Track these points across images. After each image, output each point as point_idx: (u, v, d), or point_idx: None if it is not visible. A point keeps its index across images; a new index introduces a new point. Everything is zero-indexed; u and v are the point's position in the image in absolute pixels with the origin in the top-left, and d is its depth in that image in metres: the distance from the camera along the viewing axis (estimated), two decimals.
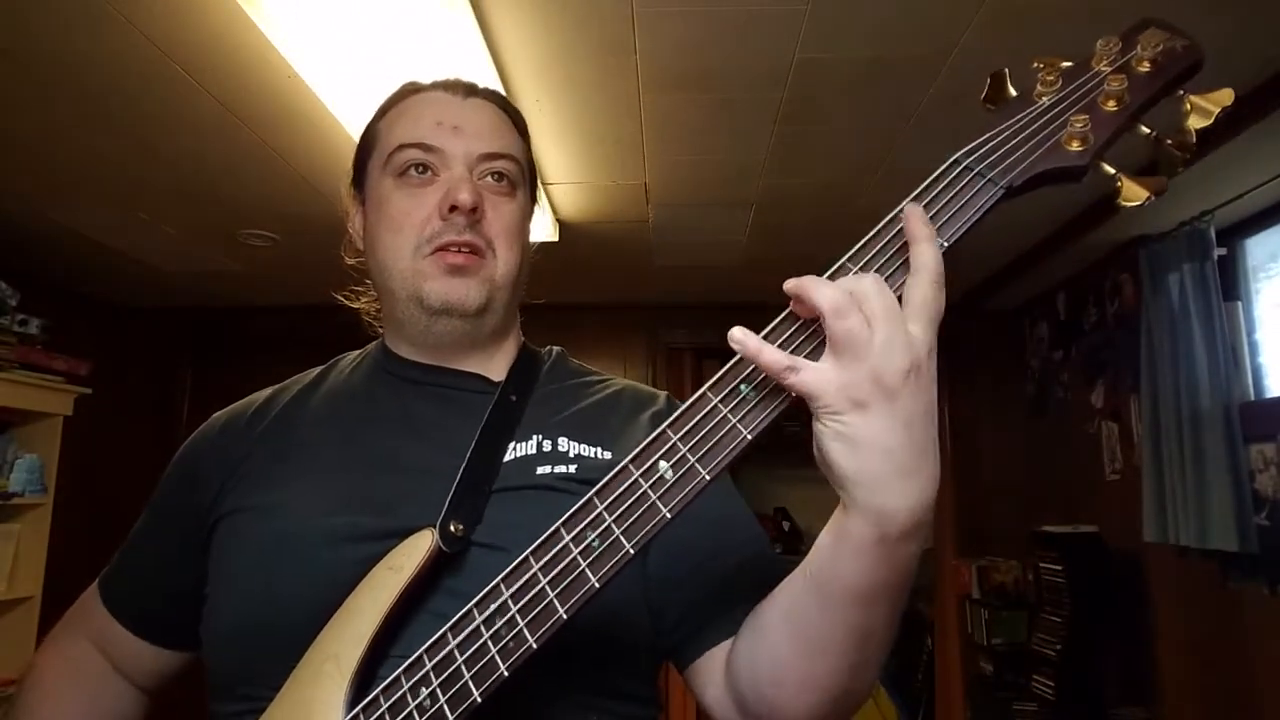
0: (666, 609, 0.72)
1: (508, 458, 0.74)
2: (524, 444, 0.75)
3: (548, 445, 0.75)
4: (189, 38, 1.76)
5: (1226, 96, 0.60)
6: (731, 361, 0.57)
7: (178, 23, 1.71)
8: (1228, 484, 2.43)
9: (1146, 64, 0.62)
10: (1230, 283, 2.68)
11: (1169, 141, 0.62)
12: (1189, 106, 0.61)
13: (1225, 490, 2.43)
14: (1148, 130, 0.63)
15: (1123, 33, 0.63)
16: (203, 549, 0.76)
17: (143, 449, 4.01)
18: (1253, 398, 2.58)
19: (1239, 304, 2.68)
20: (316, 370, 0.90)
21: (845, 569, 0.57)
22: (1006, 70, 0.64)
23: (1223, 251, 2.63)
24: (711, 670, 0.70)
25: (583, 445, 0.76)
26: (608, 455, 0.75)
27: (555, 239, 2.88)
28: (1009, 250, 3.26)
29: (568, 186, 2.62)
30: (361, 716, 0.59)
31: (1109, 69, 0.62)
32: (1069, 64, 0.64)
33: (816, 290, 0.54)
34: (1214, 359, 2.53)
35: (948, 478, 4.04)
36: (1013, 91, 0.64)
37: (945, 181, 0.61)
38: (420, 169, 0.79)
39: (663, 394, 0.86)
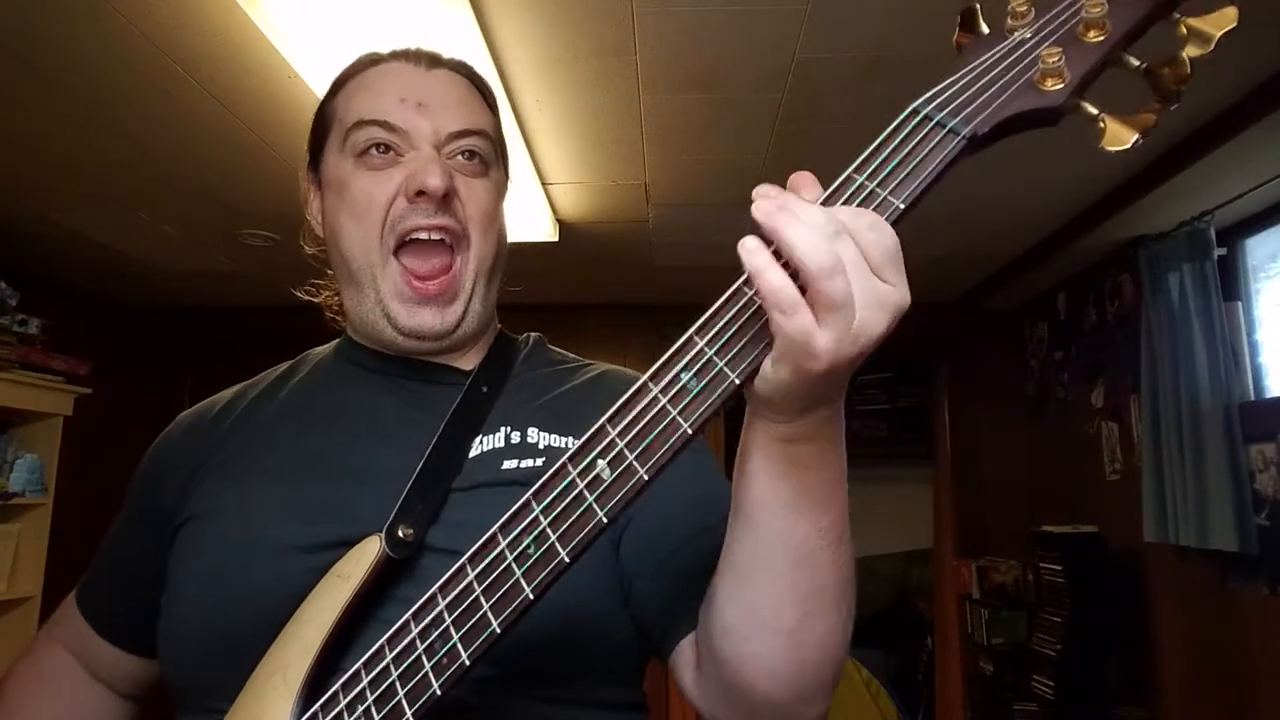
0: (645, 604, 0.67)
1: (474, 453, 0.69)
2: (491, 437, 0.71)
3: (516, 437, 0.71)
4: (189, 38, 1.76)
5: (1229, 17, 0.53)
6: (676, 345, 0.51)
7: (178, 23, 1.71)
8: (1228, 484, 2.43)
9: None
10: (1230, 283, 2.67)
11: (1164, 71, 0.53)
12: (1185, 31, 0.54)
13: (1225, 490, 2.43)
14: (1136, 62, 0.54)
15: None
16: (167, 555, 0.73)
17: (143, 449, 3.99)
18: (1253, 398, 2.58)
19: (1239, 304, 2.68)
20: (284, 366, 0.85)
21: (754, 480, 0.54)
22: (978, 5, 0.57)
23: (1223, 251, 2.63)
24: (687, 655, 0.65)
25: (553, 436, 0.71)
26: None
27: (555, 239, 2.88)
28: (1009, 250, 3.26)
29: (568, 186, 2.62)
30: None
31: None
32: None
33: (797, 235, 0.46)
34: (1214, 359, 2.53)
35: (948, 478, 4.06)
36: (985, 28, 0.57)
37: (902, 135, 0.54)
38: (382, 149, 0.72)
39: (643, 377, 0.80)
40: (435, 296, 0.72)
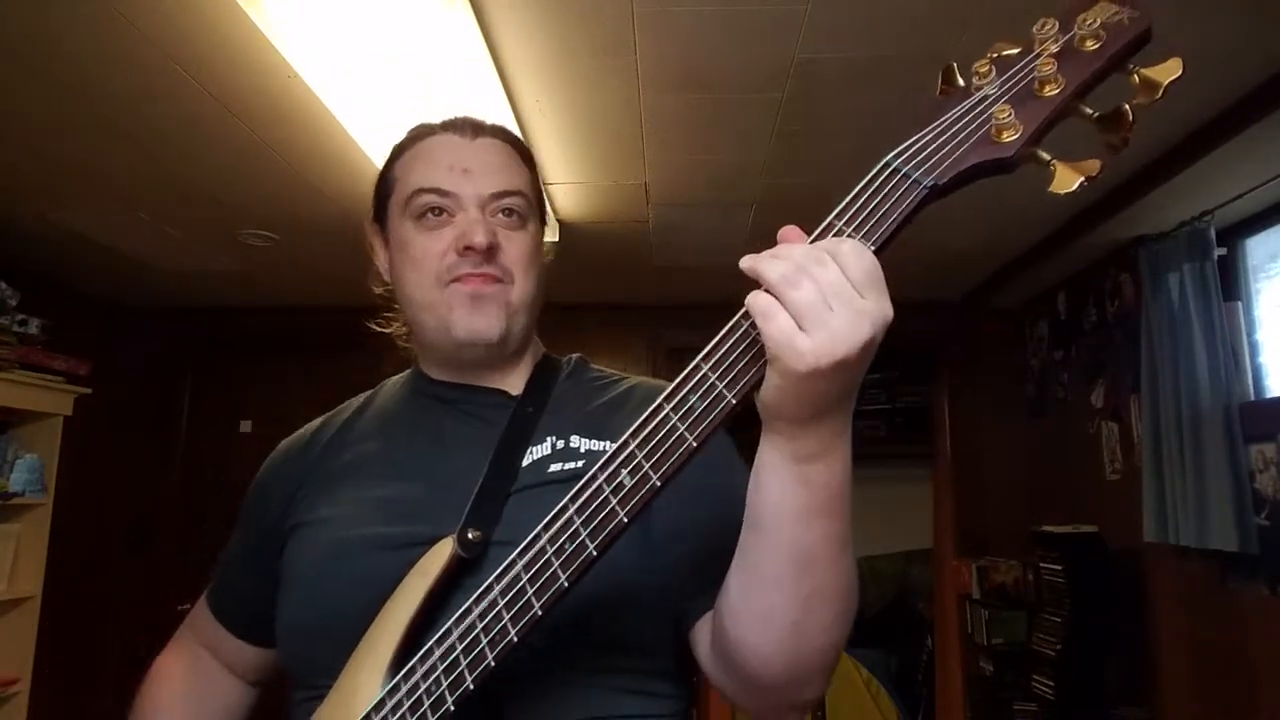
0: (671, 586, 0.76)
1: (525, 462, 0.81)
2: (539, 446, 0.83)
3: (560, 444, 0.83)
4: (189, 38, 1.76)
5: (1175, 68, 0.57)
6: (686, 370, 0.61)
7: (178, 23, 1.71)
8: (1228, 484, 2.43)
9: (1090, 40, 0.59)
10: (1230, 283, 2.68)
11: (1108, 124, 0.59)
12: (1136, 80, 0.58)
13: (1225, 490, 2.43)
14: (1090, 110, 0.60)
15: (1063, 11, 0.61)
16: (280, 560, 0.86)
17: (143, 449, 4.02)
18: (1253, 398, 2.58)
19: (1239, 304, 2.68)
20: (364, 395, 1.00)
21: (767, 492, 0.63)
22: (954, 63, 0.64)
23: (1223, 251, 2.63)
24: (704, 632, 0.75)
25: (592, 441, 0.82)
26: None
27: (555, 239, 2.88)
28: (1009, 250, 3.26)
29: (568, 186, 2.62)
30: (387, 700, 0.67)
31: (1052, 48, 0.60)
32: (1014, 50, 0.62)
33: (767, 266, 0.57)
34: (1214, 359, 2.53)
35: (948, 478, 4.06)
36: (961, 82, 0.64)
37: (874, 185, 0.61)
38: (436, 211, 0.86)
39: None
40: (483, 294, 0.84)
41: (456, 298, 0.84)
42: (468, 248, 0.83)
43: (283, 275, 3.53)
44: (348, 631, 0.74)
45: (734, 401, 0.59)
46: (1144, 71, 0.59)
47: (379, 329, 1.01)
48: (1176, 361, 2.62)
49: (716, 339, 0.61)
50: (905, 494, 4.63)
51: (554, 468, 0.81)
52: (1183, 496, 2.57)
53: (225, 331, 4.18)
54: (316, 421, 0.98)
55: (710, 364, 0.60)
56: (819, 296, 0.55)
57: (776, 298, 0.56)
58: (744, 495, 0.66)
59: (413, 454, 0.87)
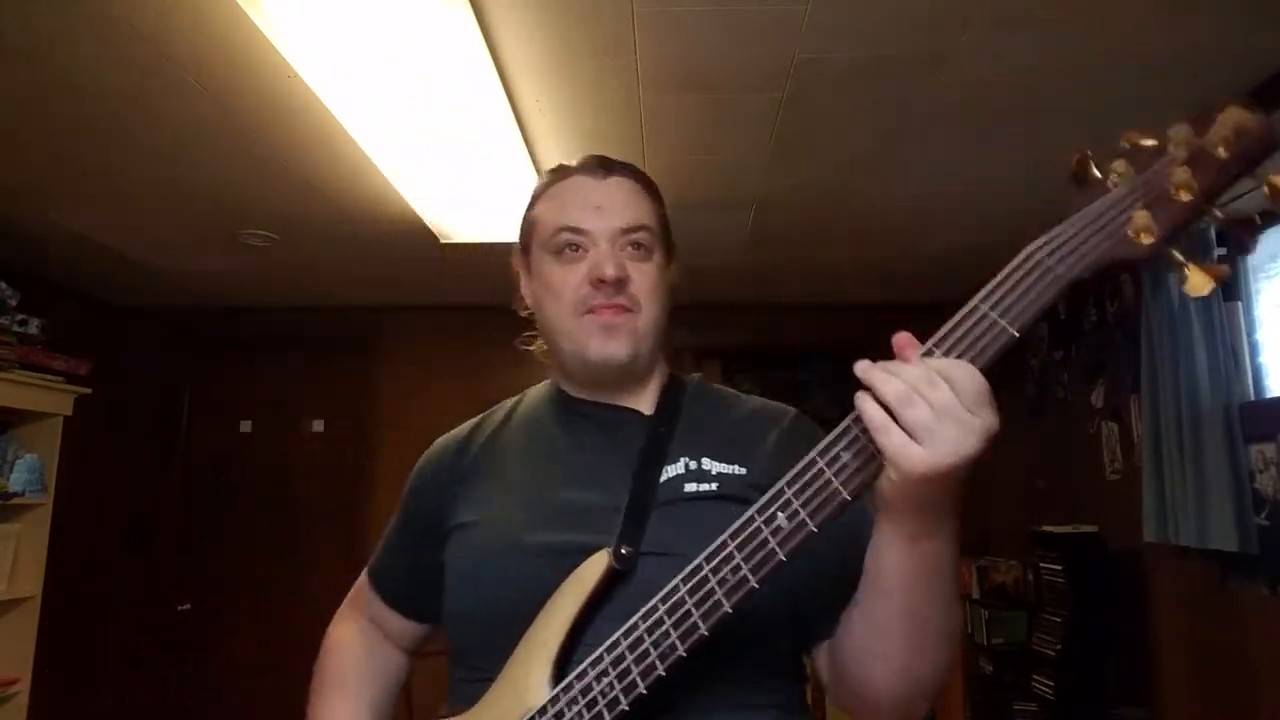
0: (802, 613, 0.87)
1: (662, 479, 0.90)
2: (674, 466, 0.92)
3: (693, 465, 0.92)
4: (189, 38, 1.76)
5: None
6: (835, 432, 0.70)
7: (177, 23, 1.71)
8: (1228, 484, 2.43)
9: (1221, 148, 0.62)
10: (1230, 283, 2.67)
11: (1235, 228, 0.63)
12: (1268, 189, 0.61)
13: (1225, 490, 2.43)
14: (1220, 214, 0.64)
15: (1195, 116, 0.64)
16: (440, 548, 0.97)
17: (143, 449, 4.02)
18: (1253, 398, 2.58)
19: (1239, 304, 2.68)
20: (509, 403, 1.09)
21: (884, 563, 0.73)
22: (1089, 152, 0.68)
23: (1223, 252, 2.63)
24: (825, 656, 0.87)
25: (722, 464, 0.92)
26: (743, 471, 0.91)
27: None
28: (1009, 250, 3.25)
29: None
30: (561, 695, 0.77)
31: (1183, 154, 0.63)
32: (1151, 143, 0.65)
33: (883, 381, 0.65)
34: (1214, 359, 2.53)
35: None
36: (1096, 173, 0.68)
37: (1018, 275, 0.68)
38: (573, 248, 0.96)
39: (791, 412, 1.01)
40: (614, 325, 0.94)
41: (591, 328, 0.94)
42: (600, 280, 0.93)
43: (283, 275, 3.53)
44: (511, 626, 0.84)
45: (849, 498, 0.68)
46: (1272, 179, 0.60)
47: (524, 347, 1.11)
48: (1176, 361, 2.62)
49: (835, 431, 0.70)
50: None
51: (689, 487, 0.89)
52: (1183, 496, 2.57)
53: (225, 331, 4.18)
54: (469, 424, 1.08)
55: (829, 458, 0.69)
56: (931, 416, 0.63)
57: (890, 413, 0.64)
58: (865, 533, 0.75)
59: (561, 466, 0.96)
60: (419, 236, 2.92)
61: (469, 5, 1.64)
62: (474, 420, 1.09)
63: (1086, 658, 2.97)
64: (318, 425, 4.10)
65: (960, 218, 2.82)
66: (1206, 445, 2.50)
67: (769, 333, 3.96)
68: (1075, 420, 3.44)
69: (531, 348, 1.09)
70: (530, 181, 2.47)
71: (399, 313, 4.08)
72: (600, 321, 0.94)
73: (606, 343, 0.94)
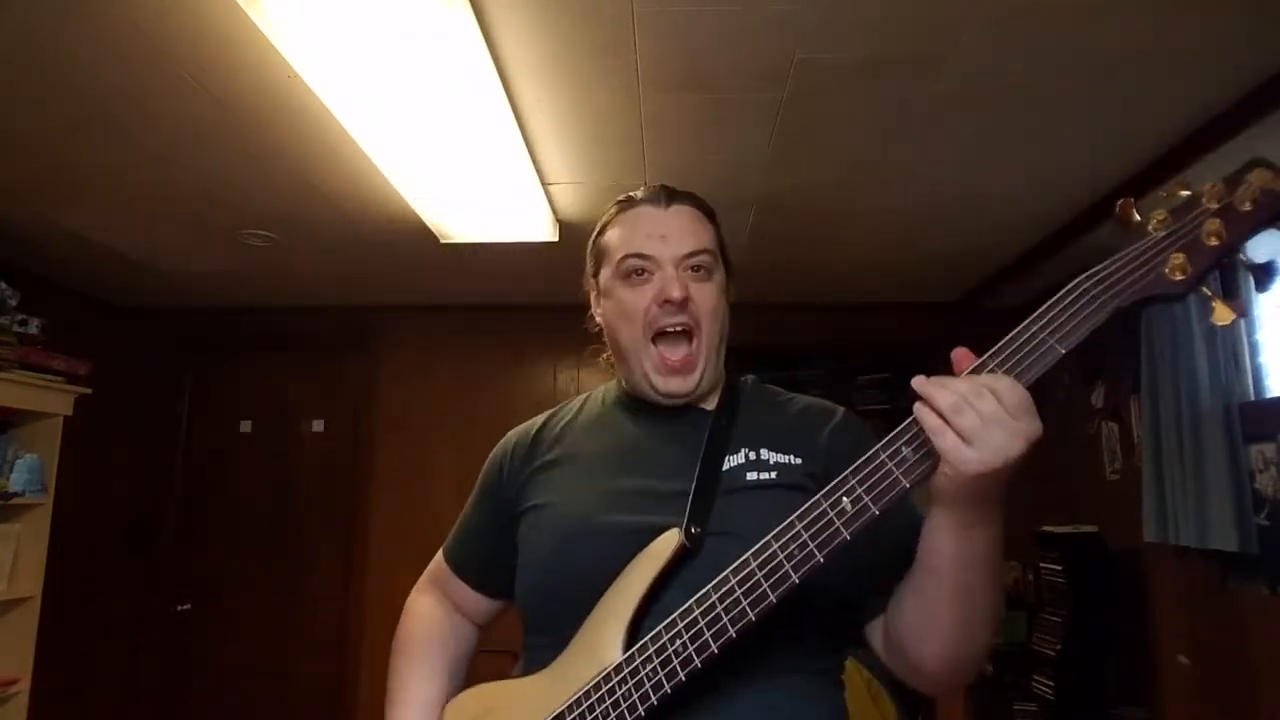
0: (858, 590, 0.95)
1: (725, 467, 0.99)
2: (735, 456, 1.01)
3: (753, 455, 1.01)
4: (189, 38, 1.76)
5: None
6: (899, 428, 0.79)
7: (178, 23, 1.71)
8: (1228, 484, 2.43)
9: (1248, 203, 0.73)
10: (1230, 283, 2.67)
11: (1257, 271, 0.75)
12: None
13: (1225, 490, 2.43)
14: (1244, 259, 0.76)
15: (1230, 175, 0.76)
16: (513, 528, 1.07)
17: (143, 449, 4.02)
18: (1253, 398, 2.58)
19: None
20: (578, 400, 1.19)
21: (938, 546, 0.81)
22: (1133, 200, 0.80)
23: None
24: (878, 631, 0.95)
25: (779, 454, 1.01)
26: (798, 461, 1.00)
27: (555, 239, 2.88)
28: (1009, 250, 3.26)
29: (568, 186, 2.62)
30: (637, 655, 0.86)
31: (1215, 206, 0.75)
32: (1187, 193, 0.77)
33: (937, 393, 0.75)
34: (1214, 359, 2.53)
35: None
36: (1137, 217, 0.79)
37: (1067, 300, 0.78)
38: (640, 272, 1.06)
39: (840, 409, 1.11)
40: (680, 370, 1.05)
41: (659, 364, 1.05)
42: (666, 300, 1.02)
43: (283, 275, 3.53)
44: (585, 596, 0.93)
45: (908, 486, 0.78)
46: None
47: (592, 357, 1.22)
48: (1176, 361, 2.62)
49: (899, 430, 0.79)
50: None
51: (751, 476, 0.99)
52: (1183, 496, 2.57)
53: (225, 331, 4.18)
54: (542, 416, 1.18)
55: (890, 452, 0.79)
56: (980, 423, 0.72)
57: (944, 420, 0.73)
58: (916, 529, 0.84)
59: (631, 454, 1.05)
60: (419, 236, 2.92)
61: (469, 5, 1.64)
62: (545, 414, 1.18)
63: (1086, 658, 2.97)
64: (318, 425, 4.09)
65: (960, 218, 2.82)
66: (1206, 445, 2.50)
67: (769, 333, 3.96)
68: (1075, 420, 3.44)
69: (600, 359, 1.21)
70: (531, 181, 2.49)
71: (399, 313, 4.08)
72: (668, 365, 1.04)
73: (670, 380, 1.05)
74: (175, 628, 3.86)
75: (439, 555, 1.22)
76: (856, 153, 2.39)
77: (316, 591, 3.90)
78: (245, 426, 4.14)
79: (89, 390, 3.20)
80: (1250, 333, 2.66)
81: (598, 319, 1.15)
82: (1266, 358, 2.62)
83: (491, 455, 1.18)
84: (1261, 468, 2.41)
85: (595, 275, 1.14)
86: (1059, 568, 3.08)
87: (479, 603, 1.19)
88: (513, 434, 1.18)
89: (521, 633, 1.05)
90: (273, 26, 1.65)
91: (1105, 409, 3.23)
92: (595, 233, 1.15)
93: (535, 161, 2.39)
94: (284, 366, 4.14)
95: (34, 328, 2.99)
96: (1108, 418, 3.21)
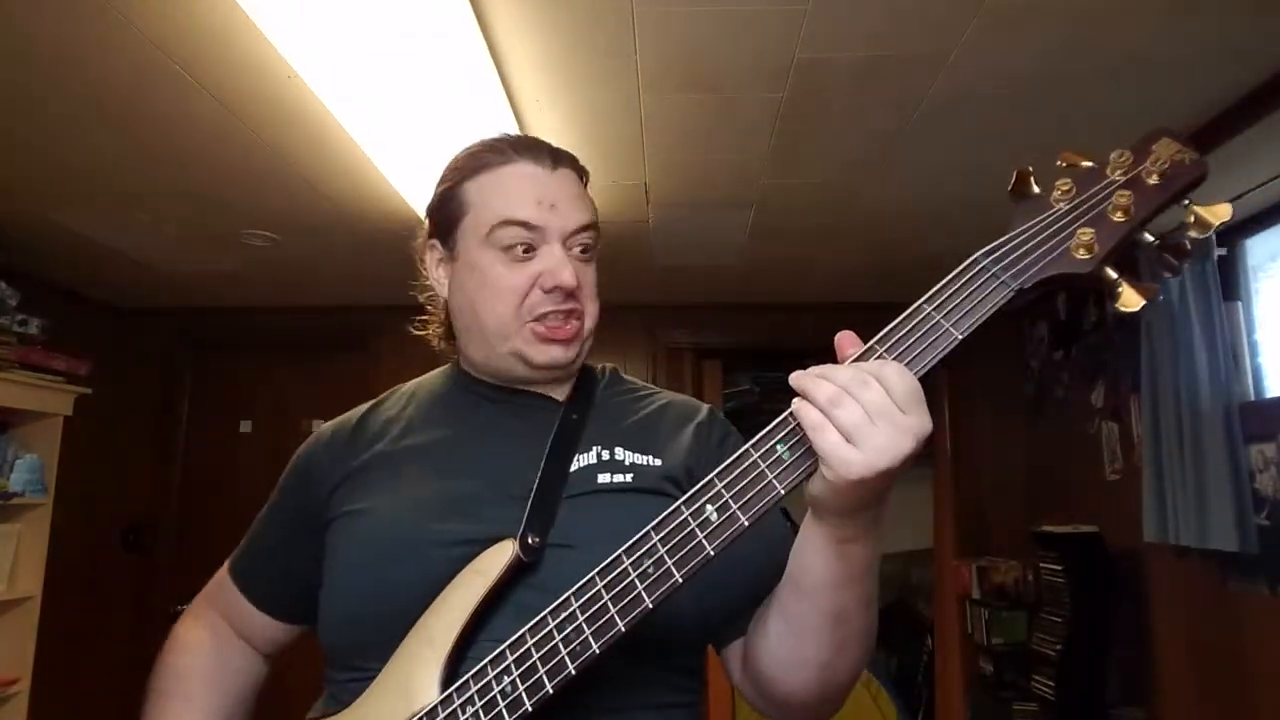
0: (712, 610, 0.83)
1: (573, 468, 0.85)
2: (585, 455, 0.87)
3: (606, 455, 0.87)
4: (188, 37, 1.76)
5: (1224, 211, 0.66)
6: (772, 424, 0.67)
7: (177, 22, 1.71)
8: (1228, 484, 2.43)
9: (1155, 176, 0.68)
10: (1230, 283, 2.67)
11: (1167, 251, 0.69)
12: (1192, 217, 0.67)
13: (1225, 490, 2.43)
14: (1151, 238, 0.69)
15: (1136, 144, 0.69)
16: (318, 540, 0.89)
17: (143, 449, 4.02)
18: (1253, 398, 2.58)
19: (1239, 304, 2.68)
20: (410, 385, 1.01)
21: (810, 564, 0.71)
22: (1030, 169, 0.71)
23: (1223, 251, 2.63)
24: (736, 656, 0.84)
25: (636, 455, 0.87)
26: (658, 463, 0.87)
27: None
28: None
29: None
30: (455, 696, 0.71)
31: (1121, 178, 0.68)
32: (1089, 165, 0.70)
33: (814, 385, 0.64)
34: (1214, 359, 2.53)
35: (948, 478, 4.06)
36: (1035, 189, 0.71)
37: (964, 279, 0.69)
38: (524, 248, 0.88)
39: (706, 406, 0.98)
40: (564, 340, 0.90)
41: (535, 337, 0.89)
42: (556, 286, 0.87)
43: (283, 275, 3.53)
44: (399, 621, 0.77)
45: (783, 491, 0.67)
46: (1198, 209, 0.68)
47: (417, 332, 1.04)
48: (1176, 361, 2.62)
49: (773, 424, 0.68)
50: (905, 494, 4.62)
51: (603, 478, 0.85)
52: (1183, 496, 2.57)
53: (225, 331, 4.18)
54: (363, 407, 0.99)
55: (763, 452, 0.67)
56: (864, 416, 0.62)
57: (824, 416, 0.62)
58: (783, 536, 0.76)
59: (465, 452, 0.89)
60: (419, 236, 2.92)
61: (469, 5, 1.64)
62: (366, 405, 1.00)
63: (1086, 658, 2.97)
64: (318, 425, 4.08)
65: (960, 218, 2.82)
66: (1206, 445, 2.50)
67: (769, 333, 3.96)
68: (1075, 420, 3.44)
69: (425, 333, 1.02)
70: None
71: (399, 313, 4.07)
72: (551, 334, 0.89)
73: (552, 348, 0.89)
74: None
75: (222, 570, 1.02)
76: (857, 153, 2.39)
77: None
78: (245, 426, 4.13)
79: (89, 390, 3.20)
80: (1250, 333, 2.66)
81: (437, 288, 0.97)
82: (1266, 358, 2.62)
83: (299, 451, 1.00)
84: (1261, 468, 2.41)
85: (440, 235, 0.95)
86: (1059, 567, 3.08)
87: (268, 628, 0.99)
88: (328, 426, 1.00)
89: (325, 666, 0.87)
90: (273, 27, 1.65)
91: (1105, 409, 3.23)
92: (445, 181, 0.94)
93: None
94: (284, 366, 4.14)
95: (34, 328, 2.99)
96: (1108, 418, 3.21)
